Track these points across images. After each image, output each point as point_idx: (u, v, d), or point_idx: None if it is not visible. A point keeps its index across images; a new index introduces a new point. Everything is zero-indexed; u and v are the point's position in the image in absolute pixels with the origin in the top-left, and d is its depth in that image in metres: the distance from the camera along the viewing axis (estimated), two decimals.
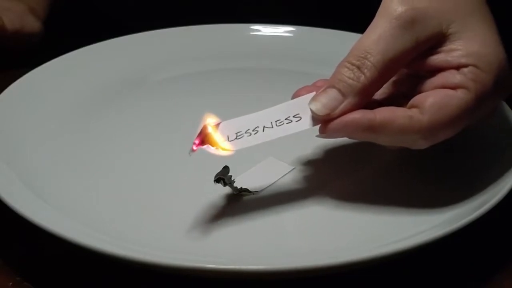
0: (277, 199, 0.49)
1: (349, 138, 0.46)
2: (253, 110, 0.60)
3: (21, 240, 0.48)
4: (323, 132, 0.45)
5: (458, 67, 0.45)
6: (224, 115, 0.59)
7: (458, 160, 0.52)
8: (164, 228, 0.46)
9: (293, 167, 0.51)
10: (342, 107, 0.44)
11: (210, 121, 0.45)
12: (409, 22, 0.44)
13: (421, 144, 0.45)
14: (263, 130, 0.45)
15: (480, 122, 0.47)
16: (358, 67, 0.44)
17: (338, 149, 0.53)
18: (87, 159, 0.53)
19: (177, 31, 0.69)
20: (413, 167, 0.51)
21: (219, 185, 0.47)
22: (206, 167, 0.50)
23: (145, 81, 0.64)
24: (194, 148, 0.44)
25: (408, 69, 0.48)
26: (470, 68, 0.44)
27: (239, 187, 0.48)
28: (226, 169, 0.48)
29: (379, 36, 0.44)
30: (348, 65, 0.45)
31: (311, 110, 0.45)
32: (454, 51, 0.45)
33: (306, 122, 0.45)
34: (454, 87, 0.44)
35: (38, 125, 0.56)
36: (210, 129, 0.45)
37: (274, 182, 0.50)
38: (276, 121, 0.45)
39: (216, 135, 0.45)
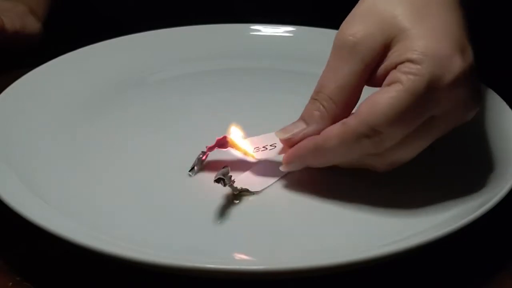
0: (277, 199, 0.49)
1: (310, 165, 0.48)
2: (253, 110, 0.60)
3: (21, 240, 0.48)
4: (284, 162, 0.49)
5: (396, 66, 0.45)
6: (224, 115, 0.59)
7: (458, 160, 0.52)
8: (164, 228, 0.46)
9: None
10: (303, 133, 0.48)
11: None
12: (351, 48, 0.46)
13: (374, 148, 0.45)
14: None
15: (455, 119, 0.46)
16: (317, 100, 0.48)
17: None
18: (87, 159, 0.53)
19: (177, 31, 0.69)
20: (413, 167, 0.51)
21: (219, 185, 0.47)
22: (206, 167, 0.50)
23: (145, 81, 0.64)
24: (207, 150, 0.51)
25: (370, 86, 0.48)
26: (405, 63, 0.45)
27: (239, 187, 0.48)
28: (226, 169, 0.48)
29: (329, 68, 0.48)
30: (311, 99, 0.48)
31: (276, 135, 0.49)
32: (393, 53, 0.46)
33: (276, 151, 0.50)
34: (389, 84, 0.45)
35: (38, 125, 0.56)
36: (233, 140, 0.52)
37: (274, 182, 0.50)
38: (254, 148, 0.51)
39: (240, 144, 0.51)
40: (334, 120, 0.47)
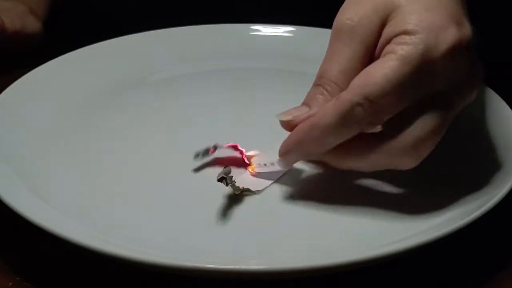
0: (278, 199, 0.49)
1: (308, 154, 0.48)
2: (253, 110, 0.60)
3: (21, 240, 0.48)
4: (281, 153, 0.48)
5: (390, 40, 0.45)
6: (224, 115, 0.59)
7: (458, 160, 0.52)
8: (165, 228, 0.46)
9: (295, 167, 0.51)
10: (305, 115, 0.47)
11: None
12: (349, 32, 0.47)
13: (370, 122, 0.45)
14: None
15: (459, 97, 0.46)
16: (320, 85, 0.47)
17: None
18: (87, 159, 0.53)
19: (177, 31, 0.69)
20: (413, 168, 0.51)
21: (220, 184, 0.47)
22: (207, 166, 0.50)
23: (145, 81, 0.64)
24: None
25: None
26: (399, 35, 0.45)
27: (240, 187, 0.48)
28: (228, 168, 0.48)
29: (329, 54, 0.47)
30: (314, 85, 0.48)
31: (279, 120, 0.48)
32: (387, 29, 0.46)
33: (274, 168, 0.50)
34: (383, 56, 0.45)
35: (38, 125, 0.56)
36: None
37: (275, 182, 0.50)
38: (256, 164, 0.51)
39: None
40: None
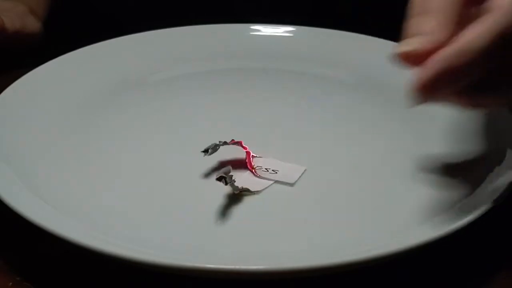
0: (277, 199, 0.49)
1: (443, 91, 0.40)
2: (253, 110, 0.60)
3: (21, 240, 0.48)
4: (418, 87, 0.40)
5: None
6: (224, 115, 0.59)
7: (458, 160, 0.52)
8: (164, 228, 0.46)
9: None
10: (433, 44, 0.40)
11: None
12: None
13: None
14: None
15: None
16: (427, 12, 0.41)
17: (340, 148, 0.53)
18: (87, 159, 0.53)
19: (177, 31, 0.69)
20: (413, 167, 0.51)
21: (220, 184, 0.47)
22: (206, 166, 0.50)
23: (145, 81, 0.64)
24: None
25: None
26: None
27: (240, 187, 0.48)
28: (227, 168, 0.48)
29: None
30: (413, 16, 0.41)
31: (397, 54, 0.41)
32: None
33: (276, 177, 0.50)
34: None
35: (38, 125, 0.56)
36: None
37: (275, 183, 0.50)
38: (257, 166, 0.51)
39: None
40: (453, 32, 0.40)
